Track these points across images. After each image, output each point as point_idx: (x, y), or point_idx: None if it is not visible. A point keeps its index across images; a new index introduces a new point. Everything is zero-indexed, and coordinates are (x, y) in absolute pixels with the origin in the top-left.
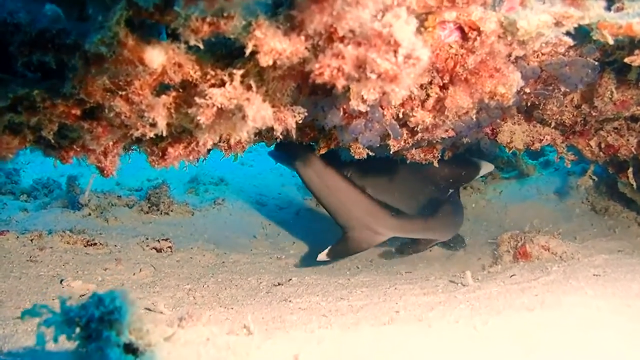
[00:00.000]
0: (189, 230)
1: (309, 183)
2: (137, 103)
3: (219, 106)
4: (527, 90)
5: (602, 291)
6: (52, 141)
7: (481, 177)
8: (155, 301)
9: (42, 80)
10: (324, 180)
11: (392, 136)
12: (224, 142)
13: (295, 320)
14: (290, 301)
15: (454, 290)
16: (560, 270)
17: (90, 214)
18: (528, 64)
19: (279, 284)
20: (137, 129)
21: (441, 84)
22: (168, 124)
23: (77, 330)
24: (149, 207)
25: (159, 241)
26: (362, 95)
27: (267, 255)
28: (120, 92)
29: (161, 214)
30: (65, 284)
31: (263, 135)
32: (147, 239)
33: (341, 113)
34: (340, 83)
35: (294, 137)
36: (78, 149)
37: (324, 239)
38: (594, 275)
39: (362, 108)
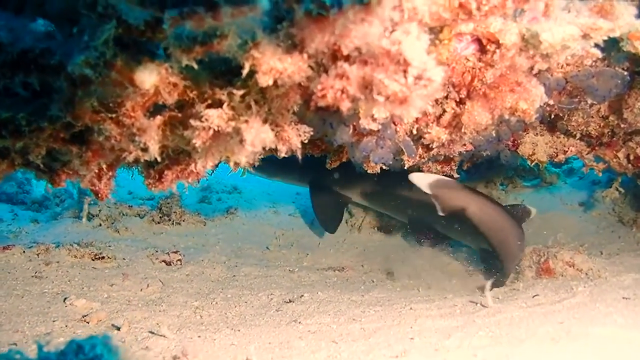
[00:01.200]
0: (200, 241)
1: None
2: (128, 126)
3: (216, 129)
4: (551, 102)
5: (634, 319)
6: (41, 165)
7: (501, 185)
8: (160, 321)
9: (31, 100)
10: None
11: (406, 154)
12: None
13: (303, 347)
14: (300, 322)
15: (472, 312)
16: (586, 291)
17: (100, 225)
18: (552, 75)
19: (290, 301)
20: (130, 153)
21: (458, 99)
22: (164, 146)
23: None
24: (160, 217)
25: (168, 254)
26: (373, 114)
27: (280, 268)
28: (110, 115)
29: (172, 224)
30: (68, 302)
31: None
32: (157, 251)
33: (351, 130)
34: (345, 106)
35: (300, 155)
36: (70, 172)
37: (338, 250)
38: (623, 298)
39: (373, 127)
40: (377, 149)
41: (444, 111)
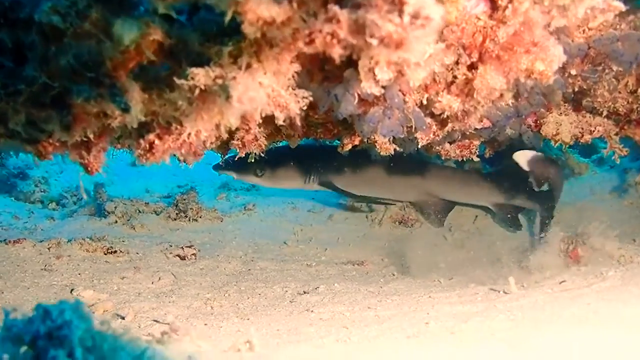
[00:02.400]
0: (217, 237)
1: None
2: (108, 86)
3: (202, 87)
4: (573, 72)
5: None
6: (23, 134)
7: None
8: (168, 311)
9: (5, 60)
10: None
11: (416, 126)
12: (239, 139)
13: (312, 332)
14: (312, 311)
15: (494, 298)
16: (617, 275)
17: (116, 222)
18: (573, 41)
19: (304, 293)
20: (114, 117)
21: (469, 63)
22: (154, 113)
23: (23, 349)
24: (176, 213)
25: (182, 248)
26: (375, 74)
27: (297, 262)
28: (89, 74)
29: (189, 220)
30: (75, 293)
31: (282, 133)
32: (171, 246)
33: (356, 100)
34: (337, 52)
35: (300, 126)
36: (56, 144)
37: (358, 245)
38: None
39: (376, 90)
40: (385, 120)
41: (455, 78)
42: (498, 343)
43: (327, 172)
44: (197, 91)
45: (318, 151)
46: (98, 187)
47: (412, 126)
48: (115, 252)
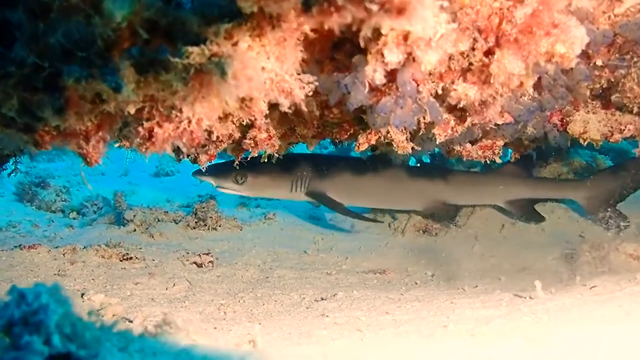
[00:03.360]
0: (236, 245)
1: None
2: (99, 66)
3: (197, 67)
4: (599, 62)
5: None
6: (18, 121)
7: None
8: (180, 316)
9: None
10: None
11: (430, 117)
12: (251, 139)
13: (324, 335)
14: (327, 316)
15: (520, 303)
16: None
17: (135, 230)
18: (597, 28)
19: (322, 299)
20: (109, 102)
21: (486, 49)
22: (152, 98)
23: None
24: (195, 222)
25: (199, 255)
26: (384, 56)
27: (317, 270)
28: (80, 53)
29: (208, 229)
30: (86, 297)
31: (297, 133)
32: (188, 253)
33: (366, 89)
34: (334, 22)
35: (310, 119)
36: (53, 132)
37: (380, 253)
38: None
39: (382, 74)
40: (397, 109)
41: (471, 65)
42: (518, 339)
43: (318, 180)
44: (192, 70)
45: (307, 157)
46: (117, 195)
47: (428, 122)
48: (131, 258)
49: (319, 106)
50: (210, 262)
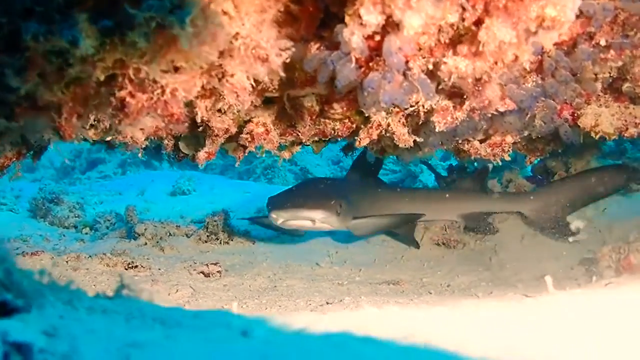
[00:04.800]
0: (247, 259)
1: None
2: (58, 22)
3: (159, 21)
4: (602, 41)
5: None
6: None
7: None
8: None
9: None
10: None
11: (423, 95)
12: (247, 133)
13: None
14: (325, 313)
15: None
16: None
17: (146, 243)
18: (598, 3)
19: (327, 303)
20: (74, 65)
21: (475, 18)
22: (122, 63)
23: None
24: (207, 236)
25: (207, 265)
26: (361, 16)
27: (329, 282)
28: (38, 9)
29: (220, 243)
30: None
31: (298, 130)
32: (195, 263)
33: (353, 64)
34: None
35: (307, 106)
36: (26, 105)
37: (395, 266)
38: None
39: (360, 37)
40: (385, 84)
41: (461, 36)
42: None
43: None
44: (153, 24)
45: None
46: (129, 209)
47: (427, 109)
48: (137, 266)
49: (319, 101)
50: (218, 271)
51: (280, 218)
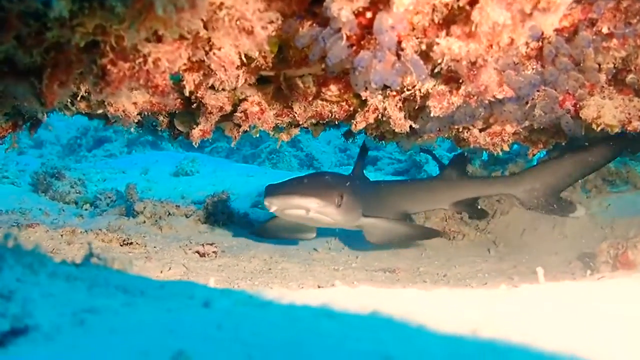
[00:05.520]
0: (245, 241)
1: None
2: None
3: None
4: (604, 29)
5: None
6: None
7: (583, 190)
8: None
9: None
10: None
11: (415, 76)
12: (241, 111)
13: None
14: (310, 293)
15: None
16: None
17: (145, 222)
18: None
19: (319, 287)
20: (52, 28)
21: (469, 0)
22: (104, 31)
23: None
24: (206, 217)
25: (203, 245)
26: None
27: (325, 267)
28: None
29: (220, 225)
30: None
31: (294, 112)
32: (191, 242)
33: (343, 41)
34: None
35: (304, 86)
36: (5, 69)
37: (393, 254)
38: None
39: (348, 11)
40: (375, 63)
41: (454, 17)
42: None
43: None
44: None
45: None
46: (130, 187)
47: (423, 93)
48: (132, 243)
49: (315, 82)
50: (214, 252)
51: (273, 206)
